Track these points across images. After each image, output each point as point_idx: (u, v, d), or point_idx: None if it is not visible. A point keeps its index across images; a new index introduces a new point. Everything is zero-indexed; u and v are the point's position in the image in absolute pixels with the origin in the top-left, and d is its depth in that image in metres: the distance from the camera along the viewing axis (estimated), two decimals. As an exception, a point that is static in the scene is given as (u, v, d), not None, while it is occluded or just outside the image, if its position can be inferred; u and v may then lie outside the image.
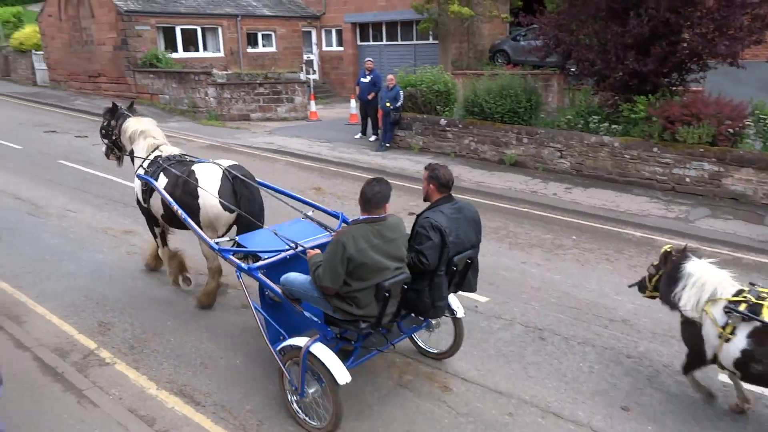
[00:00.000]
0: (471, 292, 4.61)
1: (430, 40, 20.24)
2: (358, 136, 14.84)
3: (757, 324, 3.77)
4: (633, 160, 10.27)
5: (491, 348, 5.55)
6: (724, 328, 3.94)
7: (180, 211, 5.39)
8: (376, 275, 3.86)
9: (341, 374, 3.90)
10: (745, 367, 3.85)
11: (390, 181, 7.67)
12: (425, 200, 4.44)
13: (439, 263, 4.12)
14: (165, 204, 5.66)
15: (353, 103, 16.71)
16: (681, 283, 4.21)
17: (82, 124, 15.96)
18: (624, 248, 7.83)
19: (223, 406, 4.62)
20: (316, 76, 22.68)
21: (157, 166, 5.92)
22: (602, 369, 5.26)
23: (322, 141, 14.26)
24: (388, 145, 13.59)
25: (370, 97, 14.16)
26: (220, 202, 5.43)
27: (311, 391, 4.04)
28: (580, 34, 10.67)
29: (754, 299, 3.93)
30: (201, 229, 5.35)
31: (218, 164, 5.70)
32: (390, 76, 13.29)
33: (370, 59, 14.85)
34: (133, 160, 6.33)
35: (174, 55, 19.75)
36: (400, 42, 21.56)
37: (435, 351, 5.09)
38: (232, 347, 5.26)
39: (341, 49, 23.30)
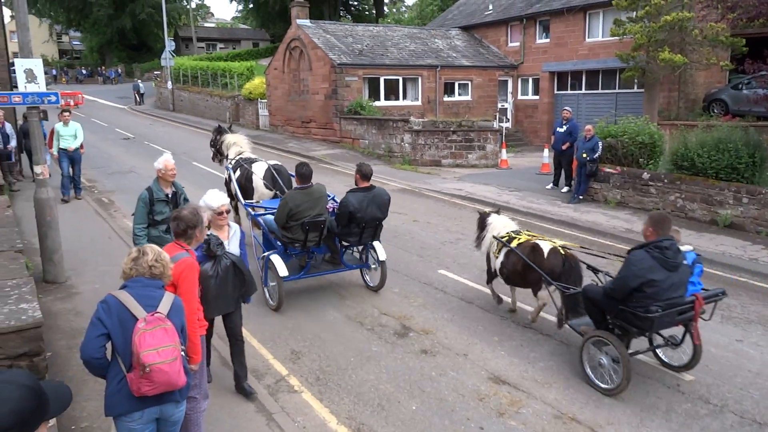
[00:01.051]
0: (376, 240, 7.85)
1: (634, 89, 19.47)
2: (550, 186, 14.57)
3: (507, 248, 6.71)
4: None
5: (695, 436, 4.73)
6: (496, 251, 6.95)
7: (234, 185, 9.29)
8: (303, 218, 7.10)
9: (282, 270, 7.33)
10: (502, 273, 6.89)
11: (580, 236, 9.74)
12: (355, 185, 7.46)
13: (350, 223, 7.46)
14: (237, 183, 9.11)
15: (546, 152, 16.54)
16: (485, 230, 7.29)
17: (292, 163, 15.98)
18: None
19: (398, 452, 4.35)
20: (509, 125, 22.64)
21: (236, 163, 9.63)
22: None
23: (512, 189, 14.03)
24: (581, 197, 13.15)
25: (564, 147, 13.82)
26: (264, 183, 9.16)
27: (272, 284, 7.59)
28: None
29: (512, 236, 6.91)
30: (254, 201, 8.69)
31: (266, 162, 9.40)
32: (588, 127, 12.83)
33: (568, 108, 14.40)
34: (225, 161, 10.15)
35: (376, 103, 20.77)
36: (600, 91, 20.97)
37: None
38: (409, 392, 5.41)
39: (537, 97, 23.07)
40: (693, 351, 5.92)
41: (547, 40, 22.41)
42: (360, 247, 8.12)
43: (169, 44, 38.63)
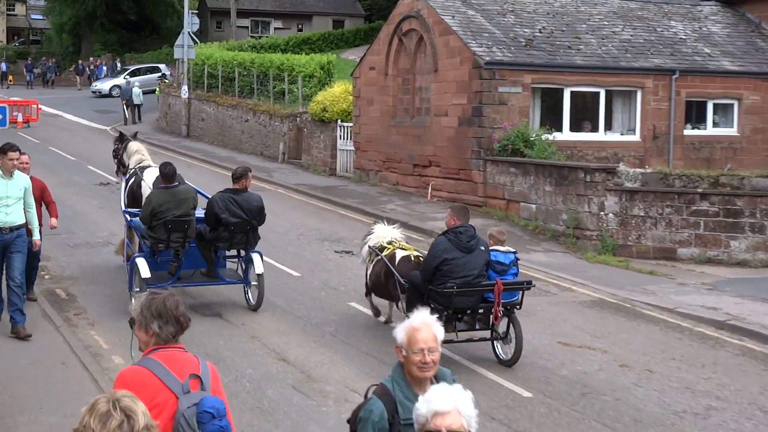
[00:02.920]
0: (252, 248, 13.05)
1: None
2: None
3: (378, 257, 11.81)
4: None
5: None
6: (369, 261, 12.13)
7: (122, 195, 14.70)
8: (166, 217, 12.27)
9: (144, 272, 11.98)
10: (371, 282, 12.26)
11: None
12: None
13: (218, 226, 12.82)
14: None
15: None
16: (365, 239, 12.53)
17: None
18: None
19: None
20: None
21: (132, 172, 14.55)
22: None
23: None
24: None
25: None
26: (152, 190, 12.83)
27: (137, 290, 11.84)
28: None
29: (385, 246, 12.06)
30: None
31: (158, 168, 13.26)
32: None
33: None
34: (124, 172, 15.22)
35: (556, 137, 20.82)
36: None
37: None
38: None
39: None
40: (515, 345, 10.73)
41: None
42: (241, 263, 13.21)
43: (190, 21, 39.51)
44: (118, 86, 48.93)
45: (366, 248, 12.39)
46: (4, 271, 11.29)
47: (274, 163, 31.28)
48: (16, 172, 11.22)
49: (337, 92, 28.43)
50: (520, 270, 11.50)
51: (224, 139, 36.16)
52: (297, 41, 55.11)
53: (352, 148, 27.30)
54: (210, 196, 13.07)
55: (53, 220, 12.81)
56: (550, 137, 20.32)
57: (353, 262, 15.64)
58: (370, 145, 26.01)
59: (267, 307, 12.79)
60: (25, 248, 11.26)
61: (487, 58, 20.84)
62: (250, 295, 13.12)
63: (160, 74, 49.38)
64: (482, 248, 10.72)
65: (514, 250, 11.30)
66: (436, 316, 5.85)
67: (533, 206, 19.58)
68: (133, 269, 12.29)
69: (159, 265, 12.62)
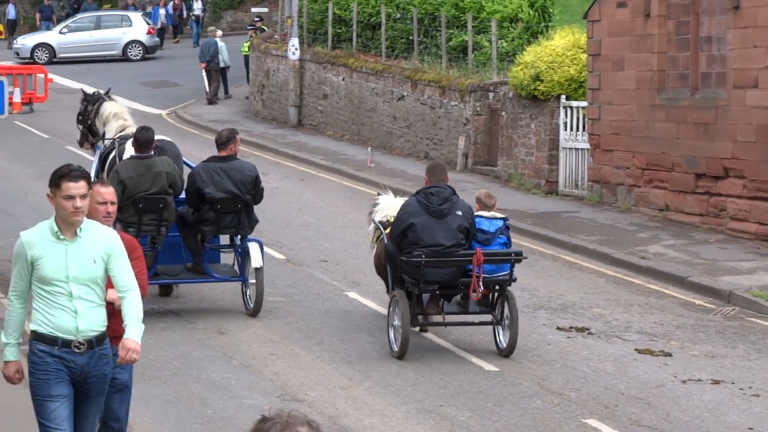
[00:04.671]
0: (246, 233, 13.41)
1: None
2: None
3: (382, 235, 14.19)
4: None
5: None
6: (374, 240, 14.94)
7: (94, 168, 14.35)
8: (136, 193, 13.10)
9: None
10: (375, 266, 14.22)
11: None
12: None
13: (203, 205, 12.53)
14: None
15: None
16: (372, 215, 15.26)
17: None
18: None
19: None
20: None
21: (111, 143, 14.99)
22: None
23: None
24: None
25: None
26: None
27: None
28: None
29: (391, 220, 12.65)
30: None
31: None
32: None
33: None
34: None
35: None
36: None
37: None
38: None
39: None
40: (510, 330, 11.61)
41: None
42: (236, 256, 13.81)
43: None
44: (49, 45, 45.25)
45: (372, 226, 13.48)
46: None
47: (449, 171, 24.55)
48: (90, 224, 7.13)
49: (560, 47, 23.37)
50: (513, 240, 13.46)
51: (361, 131, 30.05)
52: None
53: (586, 145, 22.82)
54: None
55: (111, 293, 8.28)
56: None
57: (587, 345, 13.83)
58: (617, 140, 22.13)
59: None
60: (107, 384, 7.76)
61: None
62: (248, 296, 13.21)
63: (256, 18, 41.46)
64: (459, 213, 11.37)
65: (502, 216, 12.31)
66: (409, 291, 10.38)
67: None
68: None
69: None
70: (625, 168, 22.41)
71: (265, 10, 42.91)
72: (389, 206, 12.60)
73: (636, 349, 13.87)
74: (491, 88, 25.88)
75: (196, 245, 12.27)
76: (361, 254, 18.82)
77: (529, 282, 17.75)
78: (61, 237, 6.36)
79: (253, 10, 43.53)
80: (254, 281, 12.48)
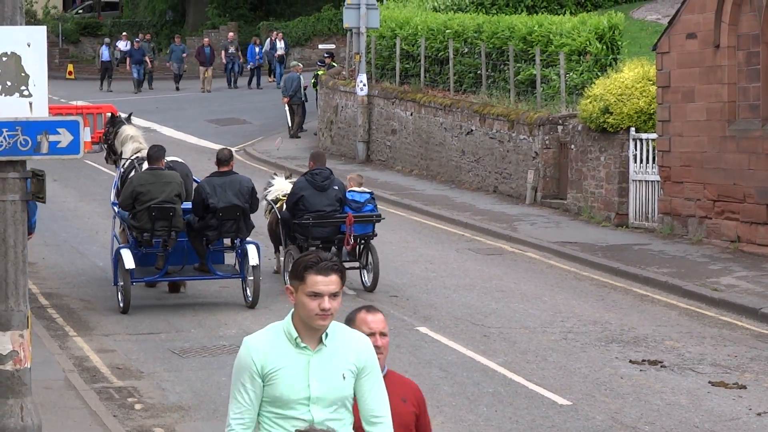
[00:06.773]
0: (245, 237, 16.37)
1: None
2: None
3: (271, 209, 19.63)
4: None
5: None
6: (267, 212, 21.49)
7: (114, 188, 17.95)
8: (148, 201, 15.70)
9: (129, 263, 14.94)
10: (269, 232, 20.32)
11: None
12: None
13: (207, 214, 15.33)
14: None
15: None
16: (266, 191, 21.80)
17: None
18: None
19: None
20: None
21: (130, 164, 17.71)
22: None
23: None
24: None
25: None
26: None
27: (120, 283, 16.28)
28: None
29: (280, 197, 18.34)
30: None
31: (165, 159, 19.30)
32: None
33: None
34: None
35: None
36: None
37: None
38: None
39: None
40: (373, 271, 16.94)
41: None
42: (236, 258, 16.52)
43: None
44: None
45: (264, 203, 17.60)
46: None
47: (517, 205, 26.57)
48: (337, 328, 5.44)
49: (629, 79, 23.19)
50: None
51: (430, 166, 30.16)
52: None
53: (656, 177, 22.88)
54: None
55: None
56: None
57: (660, 378, 13.58)
58: (688, 172, 22.08)
59: None
60: None
61: None
62: (248, 291, 15.48)
63: (326, 54, 40.96)
64: (336, 187, 15.94)
65: (369, 191, 17.40)
66: (298, 245, 15.67)
67: None
68: (118, 261, 15.28)
69: (146, 261, 15.81)
70: (696, 200, 22.43)
71: (333, 46, 42.80)
72: (281, 187, 17.31)
73: (710, 382, 13.57)
74: (560, 121, 25.99)
75: (202, 248, 14.87)
76: (432, 289, 18.66)
77: (601, 315, 17.70)
78: (302, 345, 4.92)
79: (321, 46, 43.55)
80: (252, 277, 15.12)
